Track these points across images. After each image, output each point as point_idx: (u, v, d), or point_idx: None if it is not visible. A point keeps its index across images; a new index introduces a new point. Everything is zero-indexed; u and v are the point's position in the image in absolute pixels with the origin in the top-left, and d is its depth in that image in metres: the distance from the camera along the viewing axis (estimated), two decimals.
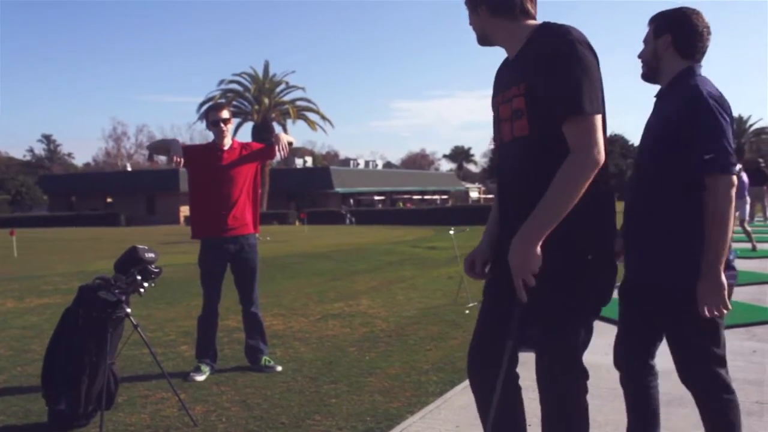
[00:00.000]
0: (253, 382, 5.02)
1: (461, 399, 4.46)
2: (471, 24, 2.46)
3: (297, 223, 40.18)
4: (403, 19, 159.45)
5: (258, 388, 4.86)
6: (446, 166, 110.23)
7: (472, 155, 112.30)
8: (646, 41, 2.89)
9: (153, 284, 4.18)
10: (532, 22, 2.38)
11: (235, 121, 48.26)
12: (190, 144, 5.58)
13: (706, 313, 2.58)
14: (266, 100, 48.53)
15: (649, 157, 2.80)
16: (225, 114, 5.35)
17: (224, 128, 5.31)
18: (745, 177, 14.10)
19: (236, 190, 5.27)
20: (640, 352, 2.94)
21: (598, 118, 2.19)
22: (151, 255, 4.13)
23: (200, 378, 5.09)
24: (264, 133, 47.76)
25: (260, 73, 50.31)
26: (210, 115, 5.37)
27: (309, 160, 76.09)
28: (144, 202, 53.13)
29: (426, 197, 71.02)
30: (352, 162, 79.17)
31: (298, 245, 19.79)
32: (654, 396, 2.97)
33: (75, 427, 4.03)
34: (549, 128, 2.23)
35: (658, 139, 2.76)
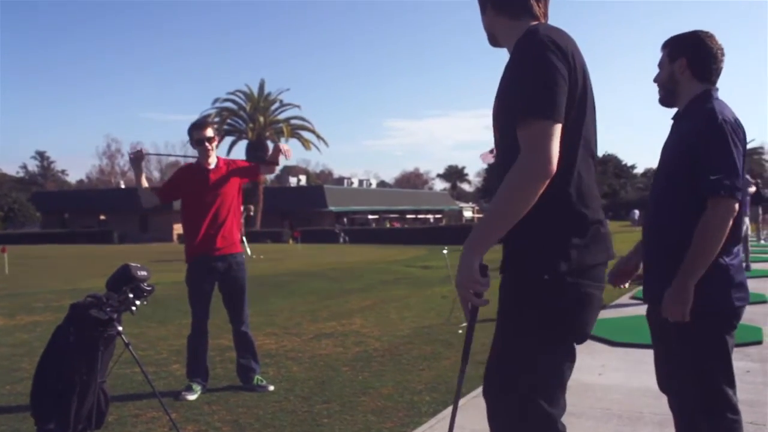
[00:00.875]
0: (245, 402, 4.99)
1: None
2: (483, 24, 2.38)
3: (290, 241, 40.09)
4: (397, 38, 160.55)
5: (250, 408, 4.83)
6: (440, 185, 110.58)
7: (466, 175, 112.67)
8: (660, 65, 2.93)
9: (145, 302, 4.16)
10: (535, 24, 2.19)
11: (229, 139, 48.22)
12: (176, 170, 5.56)
13: (668, 316, 2.65)
14: (261, 119, 48.60)
15: (664, 178, 2.84)
16: (209, 132, 5.32)
17: (209, 147, 5.28)
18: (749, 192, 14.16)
19: (224, 209, 5.27)
20: None
21: (550, 124, 1.96)
22: (144, 273, 4.11)
23: (191, 397, 5.05)
24: (258, 152, 47.79)
25: (255, 92, 50.42)
26: (194, 133, 5.29)
27: (303, 179, 76.24)
28: (137, 220, 52.99)
29: (420, 216, 71.05)
30: (346, 181, 79.39)
31: (292, 264, 19.75)
32: None
33: None
34: (511, 152, 2.06)
35: (673, 160, 2.80)
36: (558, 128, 1.98)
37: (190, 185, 5.26)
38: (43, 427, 3.98)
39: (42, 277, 16.16)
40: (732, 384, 2.76)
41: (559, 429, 2.15)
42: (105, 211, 55.90)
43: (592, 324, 2.21)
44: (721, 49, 2.83)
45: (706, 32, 2.84)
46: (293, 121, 50.64)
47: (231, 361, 5.84)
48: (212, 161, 5.34)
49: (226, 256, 5.25)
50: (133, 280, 4.05)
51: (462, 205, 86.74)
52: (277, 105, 50.83)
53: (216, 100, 49.73)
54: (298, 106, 52.38)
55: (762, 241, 20.21)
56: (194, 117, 56.03)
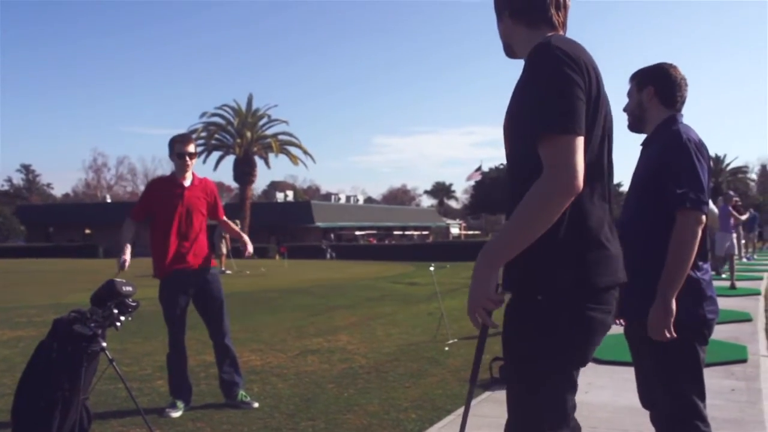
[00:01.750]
0: (229, 419, 4.94)
1: None
2: (499, 32, 2.33)
3: (277, 257, 39.97)
4: (385, 55, 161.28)
5: (235, 425, 4.79)
6: (427, 201, 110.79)
7: (453, 191, 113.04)
8: (629, 95, 3.14)
9: (130, 318, 4.13)
10: (549, 35, 2.12)
11: (216, 153, 48.08)
12: (148, 185, 5.60)
13: (655, 336, 2.73)
14: (249, 134, 48.54)
15: (635, 199, 3.00)
16: (191, 148, 5.32)
17: (188, 162, 5.28)
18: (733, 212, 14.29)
19: (196, 225, 5.28)
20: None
21: (573, 138, 1.91)
22: (129, 288, 4.09)
23: (175, 414, 5.00)
24: (246, 167, 47.72)
25: (243, 107, 50.41)
26: (176, 146, 5.26)
27: (290, 195, 76.26)
28: None
29: (407, 233, 71.14)
30: (333, 197, 79.49)
31: (278, 280, 19.67)
32: None
33: None
34: (523, 166, 2.04)
35: (642, 181, 2.97)
36: (581, 142, 1.93)
37: (162, 199, 5.23)
38: None
39: (25, 291, 16.00)
40: (702, 396, 2.87)
41: None
42: (90, 225, 55.62)
43: (592, 350, 2.12)
44: (684, 79, 3.05)
45: (671, 64, 3.06)
46: (281, 137, 50.62)
47: (215, 377, 5.79)
48: (188, 176, 5.32)
49: (199, 270, 5.22)
50: (118, 295, 4.03)
51: (449, 221, 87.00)
52: (265, 120, 50.81)
53: (203, 114, 49.61)
54: (285, 122, 52.30)
55: (744, 260, 20.36)
56: (181, 131, 55.86)
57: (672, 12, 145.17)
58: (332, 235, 60.10)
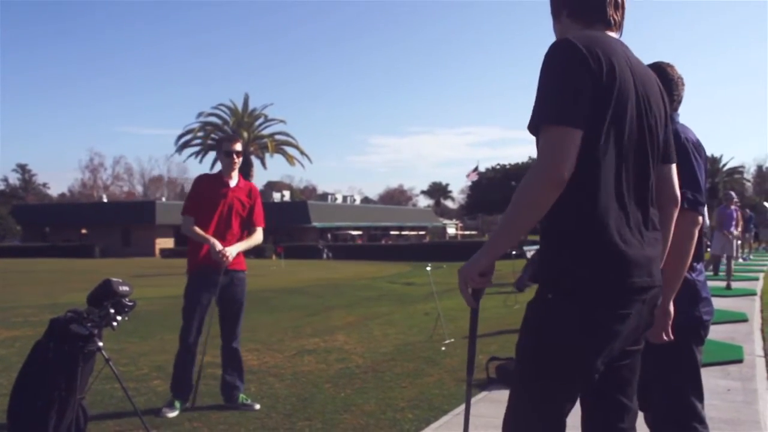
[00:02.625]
0: (226, 419, 4.94)
1: None
2: (554, 31, 2.30)
3: (274, 257, 39.98)
4: (382, 54, 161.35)
5: (231, 425, 4.79)
6: (424, 201, 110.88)
7: (450, 191, 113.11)
8: None
9: (126, 318, 4.12)
10: (611, 33, 2.16)
11: (212, 153, 48.05)
12: (195, 182, 5.54)
13: (653, 339, 2.67)
14: (245, 134, 48.54)
15: None
16: (238, 146, 5.39)
17: (235, 160, 5.33)
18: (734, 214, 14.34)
19: (236, 226, 5.28)
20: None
21: (563, 129, 1.90)
22: (125, 288, 4.08)
23: (172, 414, 4.98)
24: (243, 167, 47.67)
25: (239, 106, 50.39)
26: (223, 145, 5.40)
27: (287, 195, 76.16)
28: (119, 234, 52.69)
29: (404, 233, 71.16)
30: (330, 197, 79.40)
31: (275, 280, 19.68)
32: None
33: None
34: None
35: None
36: (573, 133, 1.90)
37: (208, 195, 5.26)
38: None
39: (21, 291, 15.99)
40: (701, 397, 2.87)
41: None
42: (86, 225, 55.53)
43: (599, 358, 2.03)
44: (681, 78, 3.03)
45: (668, 63, 3.03)
46: (277, 137, 50.65)
47: (212, 377, 5.79)
48: (234, 176, 5.37)
49: (229, 271, 5.19)
50: (114, 295, 4.02)
51: (445, 221, 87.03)
52: (261, 120, 50.84)
53: (200, 114, 49.64)
54: (282, 122, 52.32)
55: (740, 260, 20.40)
56: (177, 131, 55.96)
57: (668, 11, 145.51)
58: (329, 235, 60.14)
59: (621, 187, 2.02)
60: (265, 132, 50.77)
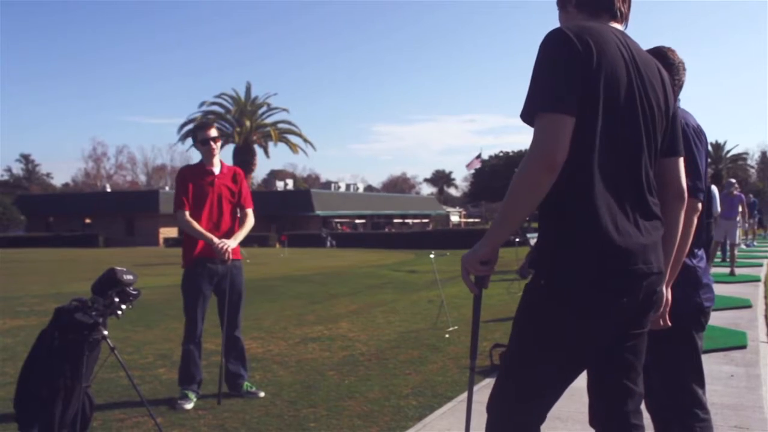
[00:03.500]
0: (231, 406, 4.96)
1: (440, 424, 4.44)
2: (560, 22, 2.31)
3: (277, 245, 40.02)
4: (385, 42, 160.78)
5: (236, 413, 4.81)
6: (427, 189, 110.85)
7: (453, 179, 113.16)
8: None
9: (131, 306, 4.13)
10: (615, 24, 2.19)
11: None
12: (179, 176, 5.39)
13: (651, 325, 2.66)
14: (248, 123, 48.44)
15: None
16: (213, 132, 5.33)
17: (213, 147, 5.27)
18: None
19: (227, 214, 5.25)
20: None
21: (552, 115, 1.93)
22: (130, 277, 4.09)
23: (189, 406, 4.93)
24: (245, 156, 47.65)
25: (242, 95, 50.29)
26: (198, 134, 5.32)
27: (290, 183, 76.19)
28: (123, 224, 52.77)
29: (407, 221, 71.15)
30: (333, 185, 79.36)
31: (278, 268, 19.71)
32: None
33: None
34: None
35: None
36: (565, 119, 1.93)
37: (193, 187, 5.21)
38: None
39: (26, 281, 16.04)
40: (702, 383, 2.88)
41: None
42: (90, 215, 55.61)
43: (588, 345, 2.07)
44: (682, 63, 3.00)
45: (668, 47, 3.01)
46: (280, 125, 50.51)
47: (216, 365, 5.81)
48: (216, 163, 5.32)
49: (226, 262, 5.18)
50: (119, 284, 4.03)
51: (449, 209, 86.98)
52: (264, 109, 50.71)
53: (202, 104, 49.46)
54: (285, 110, 52.19)
55: (743, 246, 20.38)
56: (180, 120, 55.91)
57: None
58: (335, 223, 60.18)
59: (614, 174, 2.03)
60: (268, 121, 50.65)
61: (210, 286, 5.18)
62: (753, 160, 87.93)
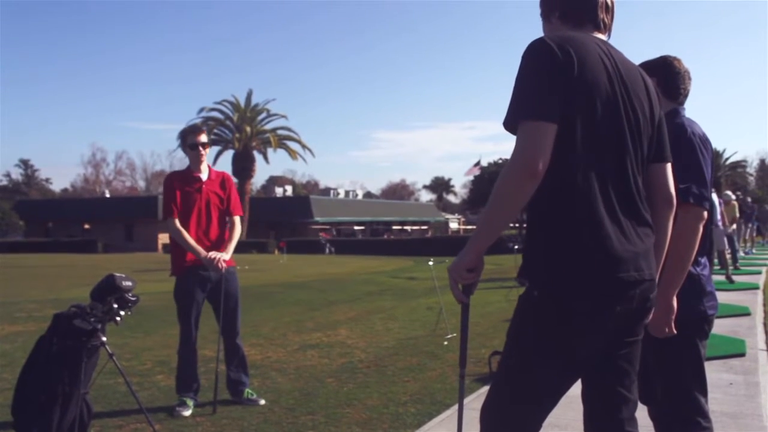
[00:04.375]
0: (229, 413, 4.96)
1: (439, 431, 4.44)
2: (544, 32, 2.31)
3: (276, 252, 40.00)
4: (385, 49, 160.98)
5: (234, 419, 4.80)
6: (426, 196, 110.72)
7: (453, 186, 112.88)
8: None
9: (130, 313, 4.13)
10: (598, 35, 2.21)
11: (215, 148, 47.97)
12: (166, 182, 5.34)
13: (655, 333, 2.67)
14: (248, 129, 48.53)
15: None
16: (203, 138, 5.26)
17: (202, 152, 5.21)
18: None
19: (215, 220, 5.21)
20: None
21: (534, 123, 1.95)
22: (129, 283, 4.09)
23: (187, 413, 4.92)
24: (245, 162, 47.69)
25: (242, 102, 50.39)
26: (188, 138, 5.24)
27: (289, 189, 76.12)
28: (122, 229, 52.70)
29: (406, 227, 71.16)
30: (332, 191, 79.34)
31: (277, 274, 19.69)
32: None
33: None
34: None
35: None
36: (546, 126, 1.95)
37: (181, 194, 5.15)
38: None
39: (24, 286, 16.01)
40: (704, 391, 2.87)
41: None
42: (89, 220, 55.53)
43: (583, 353, 2.08)
44: (688, 72, 3.00)
45: (674, 56, 3.01)
46: (280, 132, 50.66)
47: (212, 372, 5.79)
48: (204, 169, 5.27)
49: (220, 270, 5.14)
50: (117, 290, 4.03)
51: (448, 216, 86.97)
52: (264, 115, 50.82)
53: (202, 110, 49.64)
54: (285, 117, 52.36)
55: (741, 253, 20.36)
56: (180, 126, 55.80)
57: (673, 5, 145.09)
58: (334, 231, 60.15)
59: (602, 182, 2.04)
60: (268, 127, 50.78)
61: (203, 293, 5.15)
62: (752, 168, 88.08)
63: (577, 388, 2.20)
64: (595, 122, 2.03)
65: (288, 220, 55.53)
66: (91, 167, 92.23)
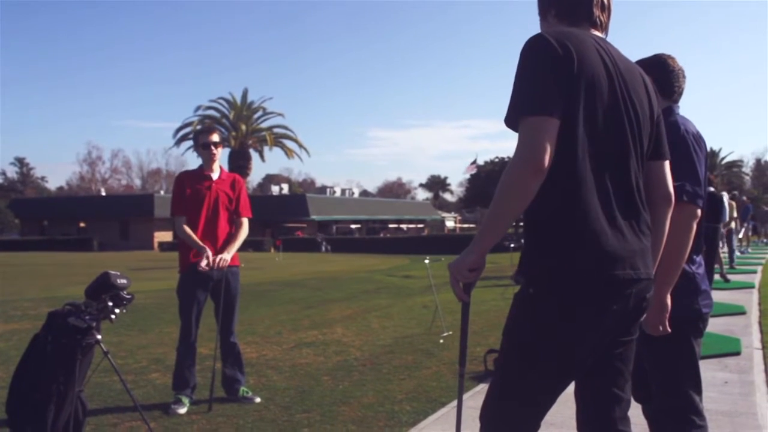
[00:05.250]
0: (224, 411, 4.95)
1: (434, 429, 4.43)
2: (541, 30, 2.29)
3: (272, 250, 39.98)
4: (380, 47, 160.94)
5: (230, 417, 4.80)
6: (422, 195, 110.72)
7: (449, 184, 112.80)
8: None
9: (125, 310, 4.12)
10: (596, 32, 2.22)
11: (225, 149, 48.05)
12: (177, 181, 5.38)
13: (650, 331, 2.68)
14: (244, 127, 48.49)
15: None
16: (215, 137, 5.31)
17: (214, 152, 5.26)
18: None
19: (223, 220, 5.23)
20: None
21: (537, 118, 1.93)
22: (124, 281, 4.08)
23: (182, 411, 4.92)
24: (241, 160, 47.64)
25: (238, 100, 50.33)
26: (200, 137, 5.30)
27: (285, 188, 76.17)
28: (117, 227, 52.63)
29: (402, 226, 71.17)
30: (328, 190, 79.36)
31: (273, 273, 19.68)
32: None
33: None
34: None
35: None
36: (548, 121, 1.93)
37: (191, 192, 5.18)
38: None
39: (19, 284, 15.97)
40: (699, 390, 2.87)
41: None
42: (85, 219, 55.46)
43: (581, 351, 2.06)
44: (682, 70, 3.01)
45: (668, 54, 3.02)
46: (276, 130, 50.66)
47: (208, 369, 5.79)
48: (215, 168, 5.31)
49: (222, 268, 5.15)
50: (112, 288, 4.02)
51: (444, 214, 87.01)
52: (260, 113, 50.80)
53: (198, 108, 49.64)
54: (281, 115, 52.44)
55: (738, 253, 20.40)
56: (175, 124, 55.80)
57: (669, 5, 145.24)
58: (334, 228, 60.20)
59: (601, 179, 2.03)
60: (264, 125, 50.81)
61: (205, 291, 5.17)
62: (748, 168, 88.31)
63: (571, 387, 2.20)
64: (596, 118, 2.02)
65: (284, 218, 55.50)
66: (86, 165, 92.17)
